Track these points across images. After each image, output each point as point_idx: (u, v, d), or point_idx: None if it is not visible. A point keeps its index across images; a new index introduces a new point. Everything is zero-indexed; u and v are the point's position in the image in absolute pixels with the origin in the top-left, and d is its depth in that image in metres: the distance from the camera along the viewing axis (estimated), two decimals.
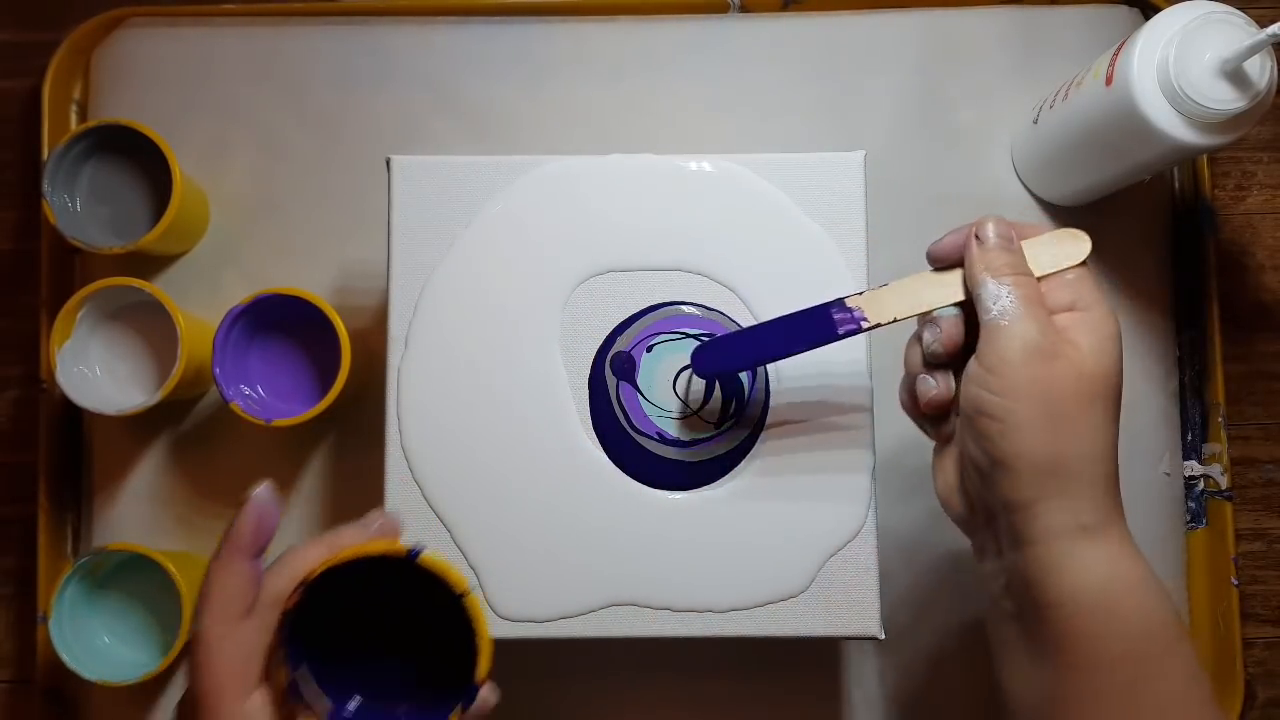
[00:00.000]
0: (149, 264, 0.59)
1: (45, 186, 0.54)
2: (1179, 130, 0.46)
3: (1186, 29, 0.45)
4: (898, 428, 0.56)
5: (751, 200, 0.48)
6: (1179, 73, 0.45)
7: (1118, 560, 0.38)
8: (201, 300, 0.58)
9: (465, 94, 0.60)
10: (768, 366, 0.47)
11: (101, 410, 0.53)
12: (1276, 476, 0.61)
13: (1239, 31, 0.45)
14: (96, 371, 0.55)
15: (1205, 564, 0.59)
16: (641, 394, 0.47)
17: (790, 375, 0.47)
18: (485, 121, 0.60)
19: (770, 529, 0.46)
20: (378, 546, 0.36)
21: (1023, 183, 0.59)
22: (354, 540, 0.37)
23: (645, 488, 0.47)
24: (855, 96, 0.60)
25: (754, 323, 0.47)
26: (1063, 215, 0.59)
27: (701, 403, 0.47)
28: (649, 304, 0.48)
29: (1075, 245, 0.41)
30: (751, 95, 0.60)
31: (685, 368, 0.47)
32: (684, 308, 0.48)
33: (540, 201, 0.48)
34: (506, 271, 0.48)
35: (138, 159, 0.57)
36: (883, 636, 0.46)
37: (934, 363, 0.42)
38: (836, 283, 0.47)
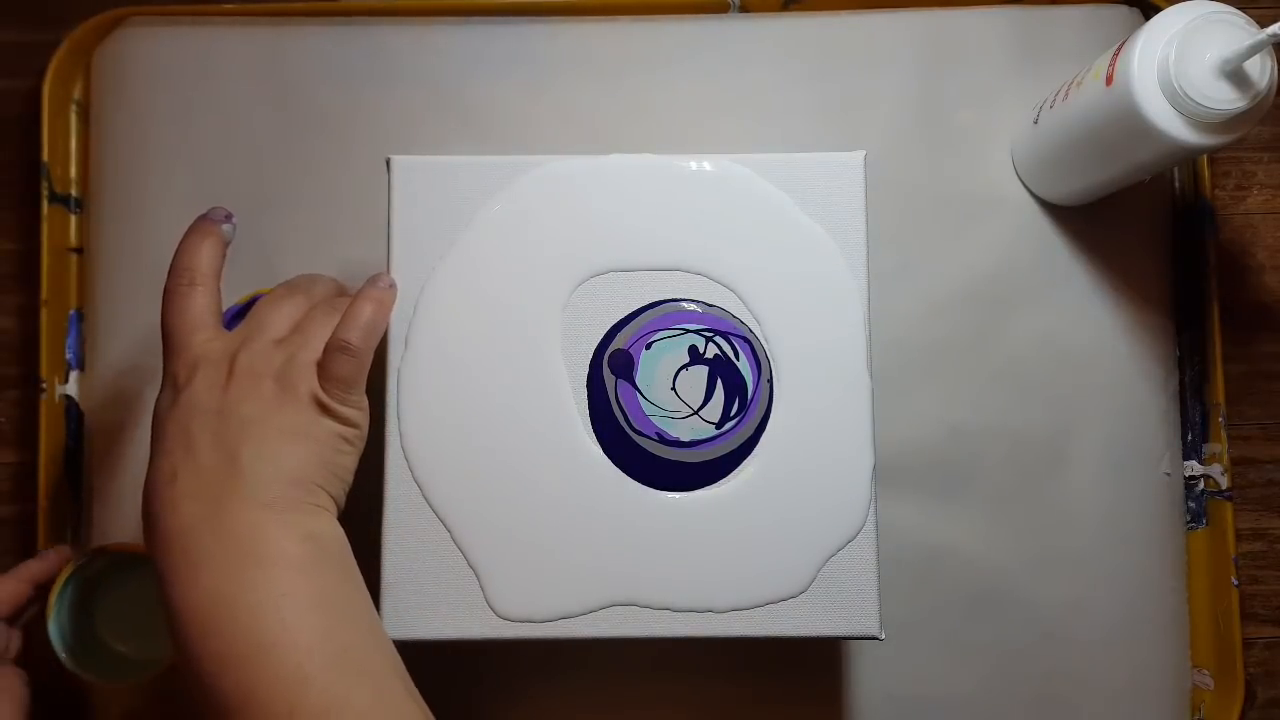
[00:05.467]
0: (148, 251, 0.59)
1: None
2: (1179, 130, 0.46)
3: (1187, 29, 0.45)
4: (898, 428, 0.57)
5: (751, 200, 0.48)
6: (1179, 73, 0.45)
7: None
8: None
9: (465, 94, 0.60)
10: (768, 365, 0.47)
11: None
12: (1276, 476, 0.61)
13: (1239, 31, 0.45)
14: None
15: (1205, 564, 0.59)
16: (640, 393, 0.47)
17: (791, 375, 0.47)
18: (485, 121, 0.60)
19: (770, 529, 0.46)
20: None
21: (1023, 183, 0.59)
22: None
23: (645, 488, 0.47)
24: (855, 96, 0.60)
25: (754, 322, 0.47)
26: (1063, 215, 0.59)
27: (701, 403, 0.47)
28: (648, 302, 0.48)
29: None
30: (751, 95, 0.60)
31: (685, 365, 0.47)
32: (684, 304, 0.48)
33: (540, 201, 0.48)
34: (506, 272, 0.48)
35: None
36: (883, 636, 0.46)
37: None
38: (837, 283, 0.47)
